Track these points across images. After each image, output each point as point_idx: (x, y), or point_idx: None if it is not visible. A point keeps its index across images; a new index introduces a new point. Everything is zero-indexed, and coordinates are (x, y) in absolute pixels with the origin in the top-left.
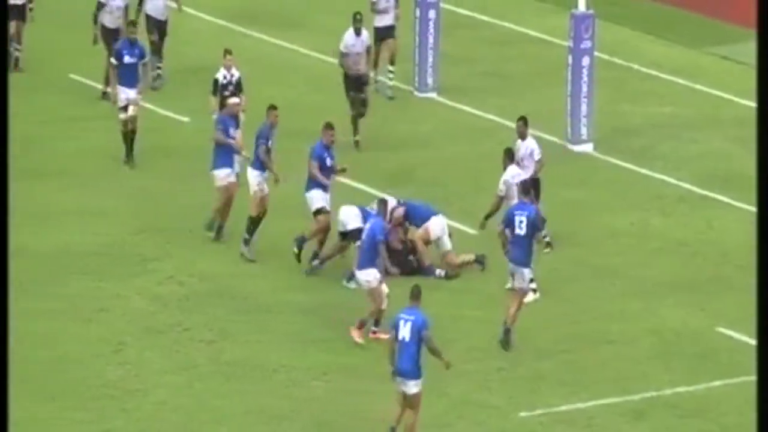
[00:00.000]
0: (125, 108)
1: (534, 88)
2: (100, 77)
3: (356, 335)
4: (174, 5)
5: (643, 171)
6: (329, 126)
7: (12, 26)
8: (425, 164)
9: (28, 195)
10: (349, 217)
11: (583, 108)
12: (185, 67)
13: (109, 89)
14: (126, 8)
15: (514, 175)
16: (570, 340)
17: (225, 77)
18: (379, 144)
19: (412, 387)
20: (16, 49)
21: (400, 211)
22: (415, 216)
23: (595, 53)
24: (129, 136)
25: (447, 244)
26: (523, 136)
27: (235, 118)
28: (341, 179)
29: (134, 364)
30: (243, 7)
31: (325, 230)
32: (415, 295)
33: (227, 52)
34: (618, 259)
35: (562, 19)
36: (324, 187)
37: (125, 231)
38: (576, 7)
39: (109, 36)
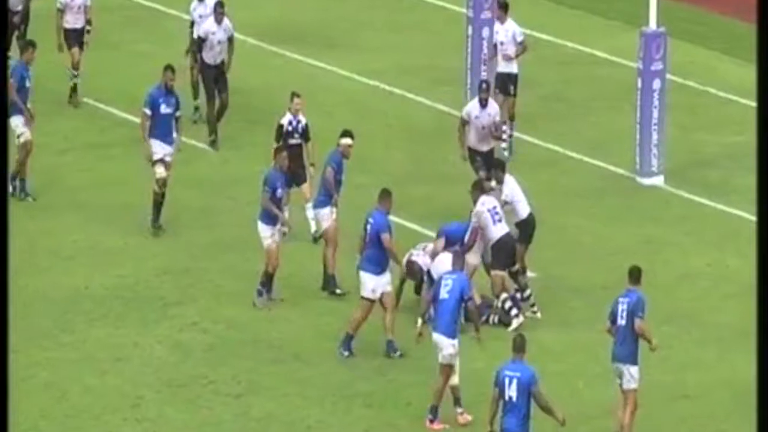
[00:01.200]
0: (161, 162)
1: (599, 114)
2: (115, 101)
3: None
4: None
5: (719, 206)
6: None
7: (72, 53)
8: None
9: (44, 232)
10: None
11: (654, 136)
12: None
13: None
14: (231, 39)
15: (484, 201)
16: (643, 393)
17: (291, 123)
18: (426, 177)
19: None
20: (74, 76)
21: (441, 243)
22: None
23: (667, 75)
24: (159, 199)
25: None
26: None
27: (285, 174)
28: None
29: (153, 420)
30: (273, 24)
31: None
32: (519, 346)
33: (295, 95)
34: (692, 303)
35: (630, 37)
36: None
37: (145, 272)
38: (646, 24)
39: (210, 73)
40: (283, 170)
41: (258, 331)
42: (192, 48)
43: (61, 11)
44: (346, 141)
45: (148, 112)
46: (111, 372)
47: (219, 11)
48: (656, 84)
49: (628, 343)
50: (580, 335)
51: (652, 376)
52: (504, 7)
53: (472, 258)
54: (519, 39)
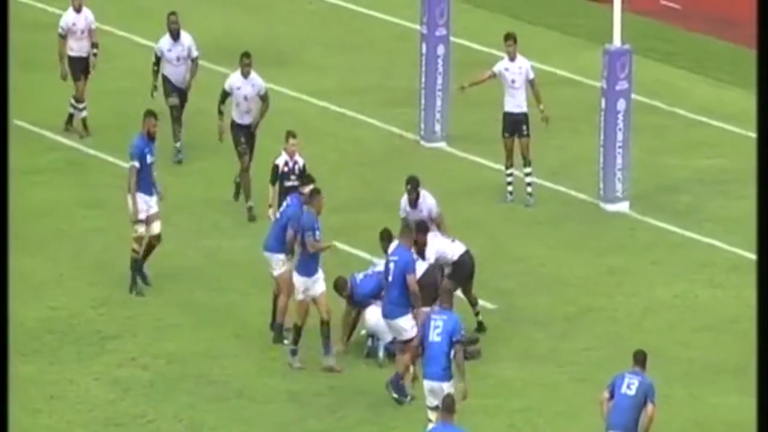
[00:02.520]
0: (145, 222)
1: (560, 136)
2: (46, 123)
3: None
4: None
5: (689, 234)
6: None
7: (77, 85)
8: None
9: None
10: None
11: (618, 160)
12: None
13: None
14: (264, 95)
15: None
16: None
17: (287, 164)
18: (378, 202)
19: None
20: (80, 109)
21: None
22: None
23: (633, 95)
24: (139, 259)
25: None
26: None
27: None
28: (338, 244)
29: None
30: (216, 42)
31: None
32: (448, 407)
33: (290, 135)
34: (660, 337)
35: (593, 55)
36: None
37: (81, 304)
38: (610, 41)
39: (239, 133)
40: (319, 212)
41: (200, 366)
42: (165, 88)
43: (63, 37)
44: (308, 189)
45: (137, 165)
46: (44, 411)
47: (245, 62)
48: (621, 104)
49: (633, 416)
50: (541, 369)
51: None
52: (515, 40)
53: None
54: (531, 77)
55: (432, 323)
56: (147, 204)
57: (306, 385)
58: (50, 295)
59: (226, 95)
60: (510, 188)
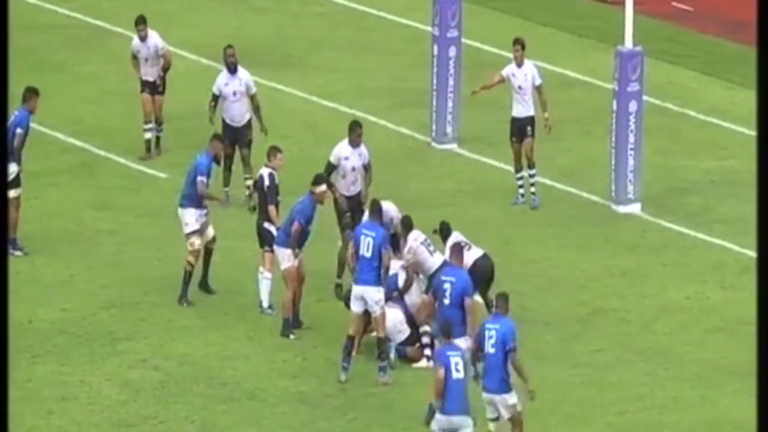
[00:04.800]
0: (197, 233)
1: (572, 138)
2: (60, 126)
3: None
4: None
5: (700, 236)
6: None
7: (148, 102)
8: None
9: None
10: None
11: (630, 161)
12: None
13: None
14: (368, 167)
15: (416, 237)
16: None
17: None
18: None
19: None
20: (158, 130)
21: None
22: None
23: (644, 97)
24: (192, 272)
25: None
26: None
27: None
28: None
29: None
30: (227, 42)
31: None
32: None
33: (278, 150)
34: (671, 339)
35: (605, 56)
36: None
37: (93, 305)
38: (622, 42)
39: (346, 205)
40: (320, 203)
41: (212, 368)
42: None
43: (134, 57)
44: (322, 188)
45: (206, 180)
46: (56, 412)
47: (357, 132)
48: (632, 106)
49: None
50: (553, 371)
51: (626, 416)
52: (522, 46)
53: (415, 296)
54: (537, 83)
55: (486, 333)
56: (200, 216)
57: (317, 387)
58: (62, 296)
59: (332, 167)
60: (521, 191)
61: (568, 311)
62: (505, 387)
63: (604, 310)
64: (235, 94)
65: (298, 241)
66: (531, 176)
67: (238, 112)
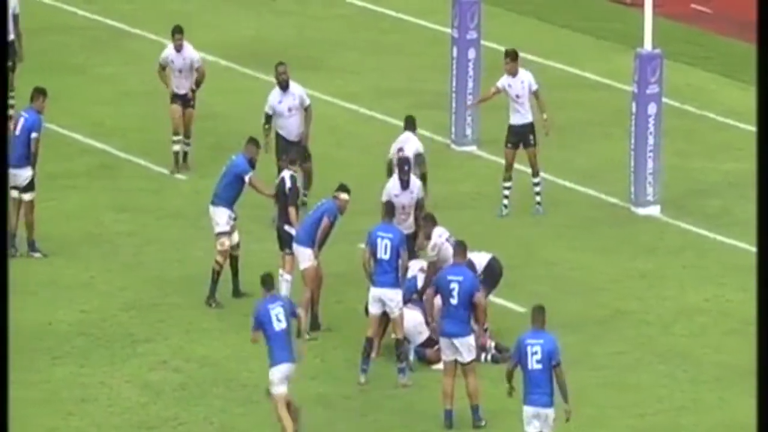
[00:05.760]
0: (226, 234)
1: (592, 141)
2: (79, 127)
3: None
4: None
5: (719, 238)
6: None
7: (178, 113)
8: (463, 232)
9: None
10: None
11: (649, 164)
12: None
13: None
14: (420, 204)
15: (440, 233)
16: None
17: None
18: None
19: None
20: (185, 144)
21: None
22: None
23: (664, 99)
24: (221, 272)
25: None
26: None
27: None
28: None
29: None
30: (246, 44)
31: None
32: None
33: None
34: (690, 341)
35: (624, 59)
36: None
37: (112, 307)
38: (641, 45)
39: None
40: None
41: (231, 369)
42: (277, 147)
43: (163, 67)
44: (345, 197)
45: (251, 174)
46: (76, 414)
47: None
48: (652, 108)
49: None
50: (573, 373)
51: (645, 418)
52: (515, 57)
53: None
54: (534, 88)
55: (529, 349)
56: (230, 219)
57: (336, 389)
58: (82, 298)
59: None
60: (505, 201)
61: (588, 313)
62: (552, 401)
63: (624, 312)
64: (290, 110)
65: (321, 240)
66: (536, 184)
67: (295, 126)
